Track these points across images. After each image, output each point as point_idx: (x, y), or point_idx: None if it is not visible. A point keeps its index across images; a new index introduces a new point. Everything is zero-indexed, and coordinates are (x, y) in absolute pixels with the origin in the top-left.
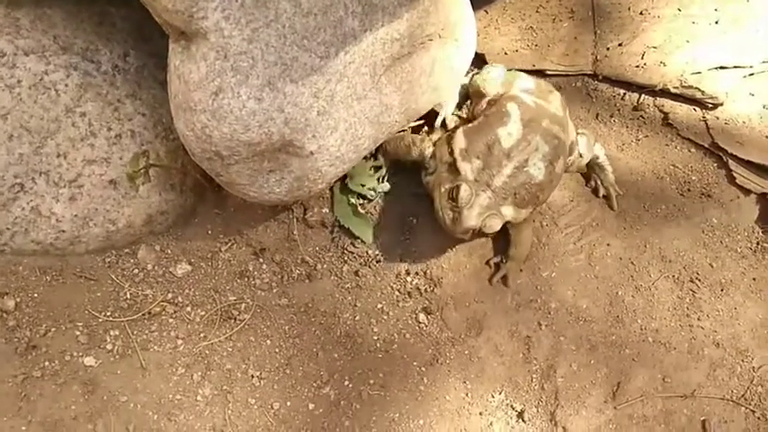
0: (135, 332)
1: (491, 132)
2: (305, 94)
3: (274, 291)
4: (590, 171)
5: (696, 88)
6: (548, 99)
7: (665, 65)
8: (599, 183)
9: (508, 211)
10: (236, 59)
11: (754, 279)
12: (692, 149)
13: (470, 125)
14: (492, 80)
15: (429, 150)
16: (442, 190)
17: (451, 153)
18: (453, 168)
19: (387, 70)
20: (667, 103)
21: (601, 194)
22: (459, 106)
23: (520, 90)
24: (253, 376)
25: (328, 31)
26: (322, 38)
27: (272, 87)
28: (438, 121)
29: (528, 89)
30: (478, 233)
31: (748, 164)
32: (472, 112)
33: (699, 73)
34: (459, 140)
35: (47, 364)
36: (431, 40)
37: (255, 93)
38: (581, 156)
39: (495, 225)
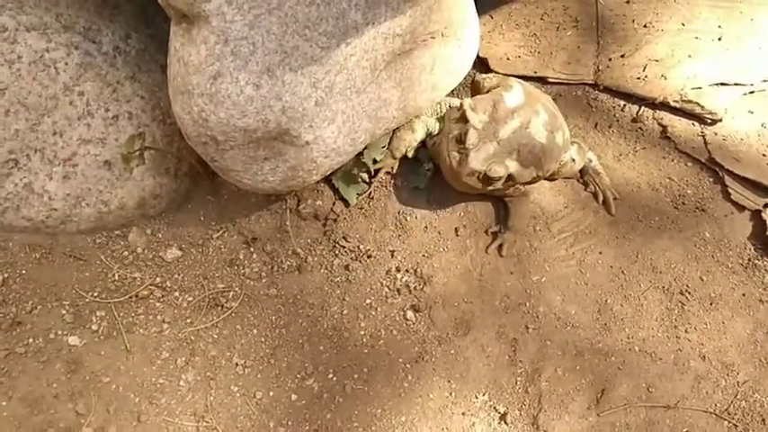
0: (121, 314)
1: (496, 94)
2: (304, 84)
3: (263, 280)
4: (586, 178)
5: (696, 103)
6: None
7: (666, 78)
8: (597, 188)
9: (512, 165)
10: (236, 44)
11: (743, 295)
12: (689, 163)
13: (475, 96)
14: (486, 79)
15: (432, 120)
16: (451, 136)
17: (460, 107)
18: (462, 118)
19: (387, 65)
20: (666, 117)
21: (600, 200)
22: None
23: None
24: (237, 364)
25: (330, 22)
26: (324, 28)
27: (270, 75)
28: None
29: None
30: (483, 180)
31: (744, 180)
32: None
33: (699, 88)
34: (468, 100)
35: (31, 341)
36: (433, 38)
37: (254, 79)
38: (573, 160)
39: (500, 170)
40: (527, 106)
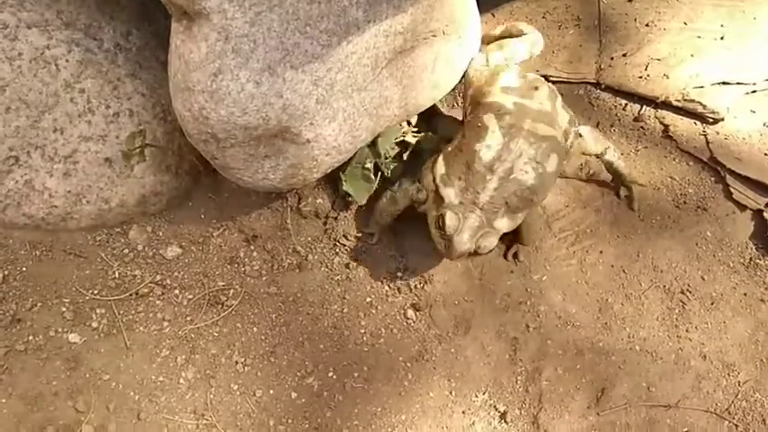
0: (121, 312)
1: (469, 151)
2: (304, 82)
3: (264, 279)
4: (611, 176)
5: (698, 102)
6: (531, 96)
7: (668, 77)
8: (620, 185)
9: (502, 224)
10: (237, 42)
11: (744, 294)
12: (691, 163)
13: (450, 148)
14: (476, 70)
15: (420, 193)
16: (429, 219)
17: (434, 180)
18: (437, 196)
19: (388, 63)
20: (668, 116)
21: (623, 195)
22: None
23: (501, 89)
24: (237, 362)
25: (331, 19)
26: (325, 26)
27: (271, 72)
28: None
29: (511, 87)
30: (475, 254)
31: (745, 180)
32: (464, 102)
33: (701, 87)
34: (440, 167)
35: (31, 338)
36: (434, 36)
37: (255, 76)
38: (581, 135)
39: (490, 244)
40: (505, 150)
